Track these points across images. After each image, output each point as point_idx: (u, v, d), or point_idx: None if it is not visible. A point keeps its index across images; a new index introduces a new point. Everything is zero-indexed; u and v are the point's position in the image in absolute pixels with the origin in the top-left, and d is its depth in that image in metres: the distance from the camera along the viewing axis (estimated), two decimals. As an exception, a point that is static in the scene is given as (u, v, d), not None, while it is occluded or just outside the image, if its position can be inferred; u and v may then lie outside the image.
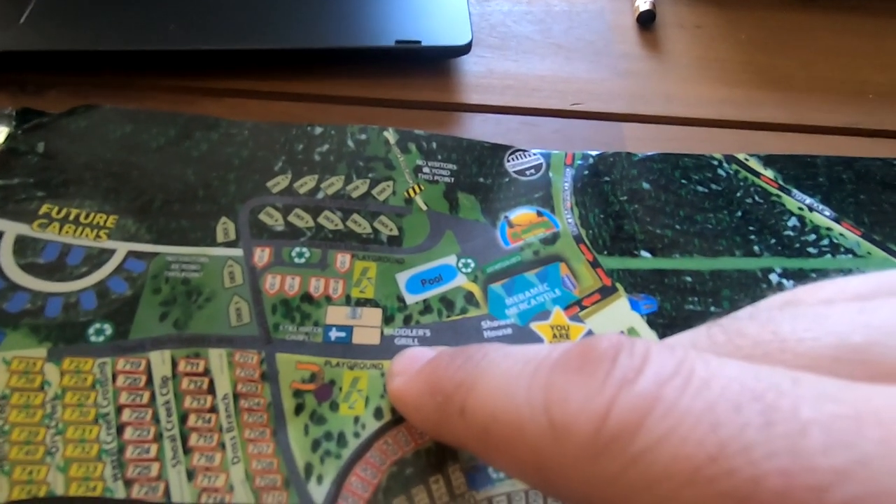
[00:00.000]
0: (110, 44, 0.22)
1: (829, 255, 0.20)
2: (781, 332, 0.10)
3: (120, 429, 0.14)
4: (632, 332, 0.18)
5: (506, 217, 0.20)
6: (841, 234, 0.21)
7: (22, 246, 0.17)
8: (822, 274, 0.20)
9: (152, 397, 0.15)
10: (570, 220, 0.20)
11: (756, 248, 0.20)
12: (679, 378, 0.08)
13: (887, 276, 0.11)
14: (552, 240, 0.20)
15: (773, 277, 0.19)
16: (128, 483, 0.14)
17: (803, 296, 0.11)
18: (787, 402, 0.08)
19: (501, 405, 0.10)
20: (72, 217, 0.18)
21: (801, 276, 0.19)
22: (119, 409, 0.15)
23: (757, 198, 0.21)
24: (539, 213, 0.20)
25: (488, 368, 0.11)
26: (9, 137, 0.19)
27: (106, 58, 0.22)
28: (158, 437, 0.14)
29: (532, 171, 0.21)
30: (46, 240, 0.17)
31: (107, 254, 0.17)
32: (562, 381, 0.09)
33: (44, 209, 0.18)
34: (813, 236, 0.21)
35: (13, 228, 0.17)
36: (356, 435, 0.15)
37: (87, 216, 0.18)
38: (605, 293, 0.18)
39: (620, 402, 0.09)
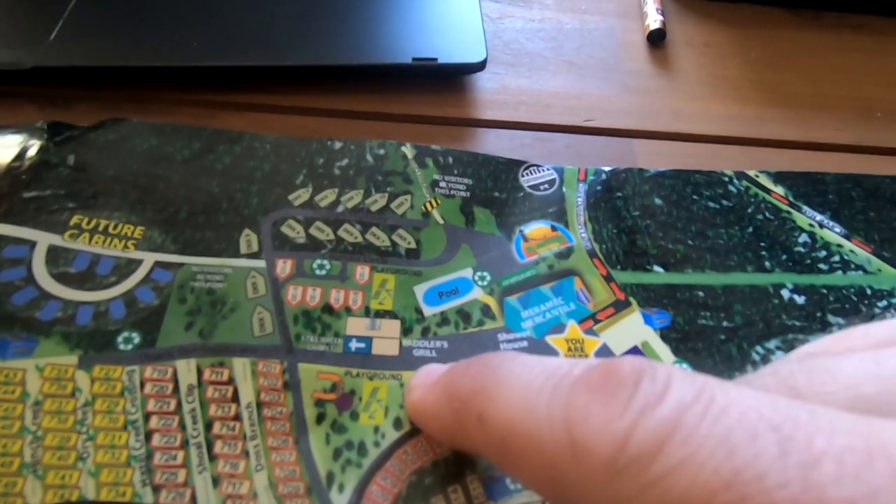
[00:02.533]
0: (136, 60, 0.23)
1: (840, 272, 0.20)
2: (798, 387, 0.10)
3: (148, 435, 0.15)
4: (645, 345, 0.18)
5: (520, 231, 0.20)
6: (851, 251, 0.21)
7: (54, 256, 0.18)
8: (834, 290, 0.20)
9: (179, 405, 0.15)
10: (583, 235, 0.20)
11: (767, 263, 0.20)
12: (699, 405, 0.09)
13: None
14: (566, 254, 0.20)
15: (785, 293, 0.20)
16: (156, 489, 0.14)
17: (830, 345, 0.12)
18: (802, 434, 0.08)
19: (521, 416, 0.11)
20: (101, 228, 0.18)
21: (812, 292, 0.20)
22: (147, 416, 0.15)
23: (768, 214, 0.22)
24: (553, 228, 0.21)
25: (507, 377, 0.11)
26: (41, 150, 0.20)
27: (132, 73, 0.23)
28: (185, 444, 0.15)
29: (546, 185, 0.22)
30: (77, 250, 0.18)
31: (134, 264, 0.18)
32: (583, 400, 0.10)
33: (74, 220, 0.18)
34: (824, 253, 0.21)
35: (46, 239, 0.18)
36: (376, 444, 0.15)
37: (115, 227, 0.18)
38: (619, 307, 0.19)
39: (642, 426, 0.09)
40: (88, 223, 0.18)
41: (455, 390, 0.13)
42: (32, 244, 0.18)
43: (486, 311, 0.18)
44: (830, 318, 0.19)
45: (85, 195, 0.19)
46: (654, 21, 0.29)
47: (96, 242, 0.18)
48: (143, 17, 0.25)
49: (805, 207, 0.22)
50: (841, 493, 0.07)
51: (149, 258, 0.18)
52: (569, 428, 0.10)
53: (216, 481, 0.14)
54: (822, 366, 0.11)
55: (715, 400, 0.09)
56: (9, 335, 0.16)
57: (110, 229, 0.18)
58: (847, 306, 0.20)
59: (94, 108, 0.23)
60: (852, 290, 0.20)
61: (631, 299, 0.19)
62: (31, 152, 0.20)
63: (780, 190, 0.23)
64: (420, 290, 0.19)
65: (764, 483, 0.08)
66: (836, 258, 0.21)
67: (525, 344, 0.18)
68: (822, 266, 0.21)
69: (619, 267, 0.20)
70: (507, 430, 0.11)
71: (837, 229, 0.22)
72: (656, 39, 0.29)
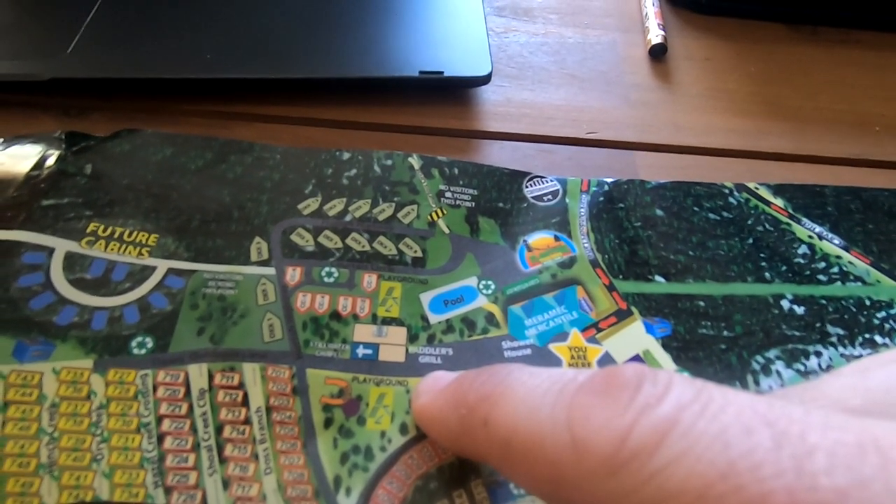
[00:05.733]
0: (150, 72, 0.24)
1: (839, 283, 0.21)
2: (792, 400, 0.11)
3: (160, 438, 0.15)
4: (647, 354, 0.18)
5: (524, 241, 0.21)
6: (850, 263, 0.21)
7: (71, 262, 0.18)
8: (833, 301, 0.20)
9: (190, 408, 0.16)
10: (586, 245, 0.21)
11: (767, 274, 0.21)
12: (698, 404, 0.09)
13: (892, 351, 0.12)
14: (569, 264, 0.20)
15: (785, 303, 0.20)
16: (167, 490, 0.14)
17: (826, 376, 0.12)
18: (796, 428, 0.08)
19: (524, 419, 0.11)
20: (116, 235, 0.19)
21: (812, 303, 0.20)
22: (159, 420, 0.15)
23: (767, 226, 0.22)
24: (556, 238, 0.21)
25: (514, 384, 0.12)
26: (59, 159, 0.20)
27: (146, 84, 0.24)
28: (196, 447, 0.15)
29: (549, 196, 0.22)
30: (93, 256, 0.18)
31: (148, 270, 0.18)
32: (586, 401, 0.10)
33: (91, 227, 0.19)
34: (823, 264, 0.21)
35: (63, 245, 0.18)
36: (383, 449, 0.16)
37: (130, 234, 0.19)
38: (621, 316, 0.19)
39: (641, 424, 0.09)
40: (104, 230, 0.19)
41: (462, 397, 0.13)
42: (50, 251, 0.18)
43: (490, 319, 0.19)
44: (829, 328, 0.20)
45: (101, 203, 0.20)
46: (655, 36, 0.29)
47: (112, 249, 0.19)
48: (157, 30, 0.25)
49: (804, 219, 0.23)
50: (833, 482, 0.07)
51: (162, 265, 0.18)
52: (571, 427, 0.10)
53: (226, 484, 0.15)
54: (813, 384, 0.11)
55: (713, 400, 0.09)
56: (27, 339, 0.16)
57: (125, 237, 0.19)
58: (846, 317, 0.20)
59: (108, 118, 0.23)
60: (851, 301, 0.20)
61: (633, 308, 0.19)
62: (50, 161, 0.20)
63: (779, 202, 0.23)
64: (426, 298, 0.19)
65: (758, 473, 0.08)
66: (835, 269, 0.21)
67: (529, 352, 0.18)
68: (821, 277, 0.21)
69: (621, 276, 0.20)
70: (511, 433, 0.11)
71: (836, 241, 0.22)
72: (658, 53, 0.29)
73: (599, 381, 0.10)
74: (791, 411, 0.09)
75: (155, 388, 0.16)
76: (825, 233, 0.22)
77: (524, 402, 0.11)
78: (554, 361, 0.18)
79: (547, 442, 0.10)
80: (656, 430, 0.09)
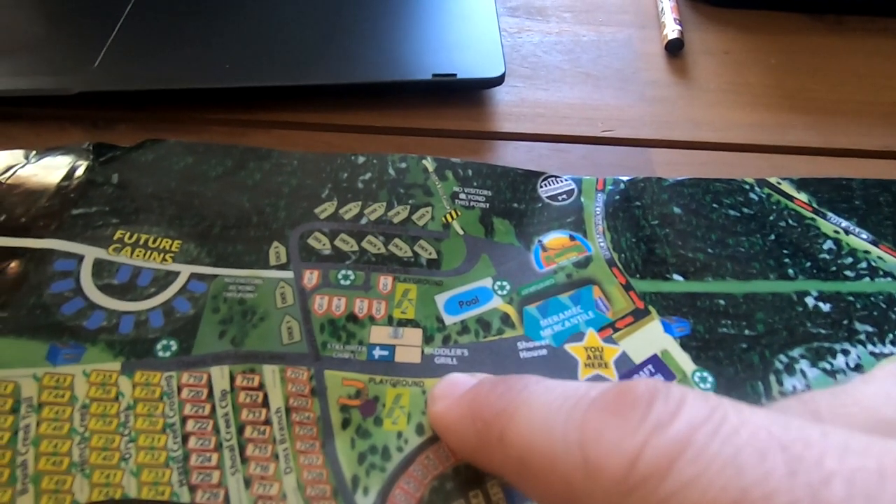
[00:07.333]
0: (173, 83, 0.24)
1: (867, 279, 0.20)
2: (819, 410, 0.10)
3: (185, 438, 0.16)
4: (665, 354, 0.18)
5: (539, 241, 0.21)
6: (879, 258, 0.21)
7: (99, 268, 0.19)
8: (861, 297, 0.20)
9: (213, 409, 0.16)
10: (602, 244, 0.21)
11: (790, 271, 0.20)
12: (711, 424, 0.09)
13: None
14: (585, 263, 0.20)
15: (809, 301, 0.19)
16: (192, 489, 0.15)
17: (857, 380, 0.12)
18: (813, 453, 0.08)
19: (539, 437, 0.11)
20: (142, 242, 0.20)
21: (838, 300, 0.19)
22: (184, 420, 0.16)
23: (791, 221, 0.22)
24: (571, 238, 0.21)
25: (528, 399, 0.12)
26: (87, 170, 0.21)
27: (168, 95, 0.25)
28: (219, 447, 0.16)
29: (564, 196, 0.22)
30: (120, 263, 0.19)
31: (172, 275, 0.19)
32: (598, 420, 0.10)
33: (118, 235, 0.20)
34: (850, 259, 0.21)
35: (92, 252, 0.19)
36: (399, 449, 0.16)
37: (154, 241, 0.20)
38: (638, 316, 0.19)
39: (652, 445, 0.09)
40: (130, 237, 0.20)
41: (479, 411, 0.13)
42: (80, 258, 0.19)
43: (505, 319, 0.19)
44: (858, 325, 0.19)
45: (127, 211, 0.20)
46: (672, 31, 0.29)
47: (137, 256, 0.19)
48: (177, 43, 0.26)
49: (830, 214, 0.22)
50: None
51: (185, 270, 0.19)
52: (583, 447, 0.10)
53: (248, 482, 0.15)
54: (845, 389, 0.11)
55: (727, 419, 0.09)
56: (59, 343, 0.17)
57: (150, 243, 0.20)
58: (875, 313, 0.19)
59: (132, 128, 0.24)
60: (881, 297, 0.20)
61: (650, 308, 0.19)
62: (79, 172, 0.21)
63: (803, 197, 0.22)
64: (441, 299, 0.19)
65: (772, 501, 0.08)
66: (863, 265, 0.20)
67: (544, 352, 0.18)
68: (848, 273, 0.20)
69: (637, 275, 0.20)
70: (526, 451, 0.11)
71: (864, 235, 0.21)
72: (674, 49, 0.29)
73: (611, 397, 0.10)
74: (808, 434, 0.08)
75: (179, 390, 0.16)
76: (852, 227, 0.21)
77: (538, 419, 0.11)
78: (570, 362, 0.18)
79: (559, 460, 0.10)
80: (668, 451, 0.09)
